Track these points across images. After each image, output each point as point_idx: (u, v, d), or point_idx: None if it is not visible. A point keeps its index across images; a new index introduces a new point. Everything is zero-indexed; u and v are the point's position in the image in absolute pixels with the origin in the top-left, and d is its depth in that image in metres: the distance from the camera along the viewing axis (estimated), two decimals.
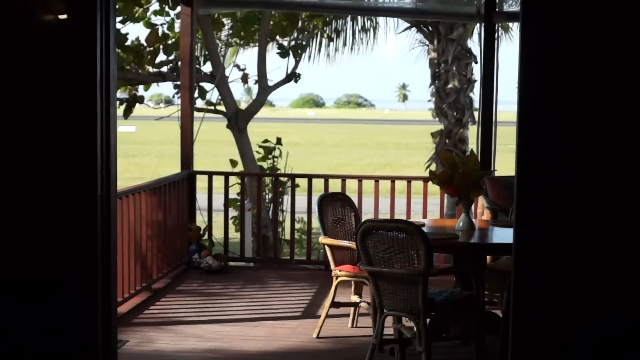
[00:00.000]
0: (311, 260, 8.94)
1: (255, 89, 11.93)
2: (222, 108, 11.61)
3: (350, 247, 5.98)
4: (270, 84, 11.82)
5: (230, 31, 12.24)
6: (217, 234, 9.03)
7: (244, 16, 11.79)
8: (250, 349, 5.80)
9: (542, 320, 3.71)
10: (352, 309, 6.33)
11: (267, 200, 11.12)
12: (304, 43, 12.60)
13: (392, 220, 5.43)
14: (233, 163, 11.15)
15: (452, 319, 5.47)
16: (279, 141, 11.50)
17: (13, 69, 4.07)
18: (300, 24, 12.18)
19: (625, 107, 3.59)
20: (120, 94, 10.90)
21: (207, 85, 11.39)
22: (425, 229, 5.11)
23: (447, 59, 12.30)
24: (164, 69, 11.14)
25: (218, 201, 9.03)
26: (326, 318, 6.09)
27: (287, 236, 9.55)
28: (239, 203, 9.57)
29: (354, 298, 6.17)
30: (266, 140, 11.56)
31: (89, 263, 4.09)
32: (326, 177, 8.66)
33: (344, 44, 13.77)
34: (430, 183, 6.77)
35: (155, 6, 10.72)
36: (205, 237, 8.69)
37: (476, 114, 11.18)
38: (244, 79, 11.74)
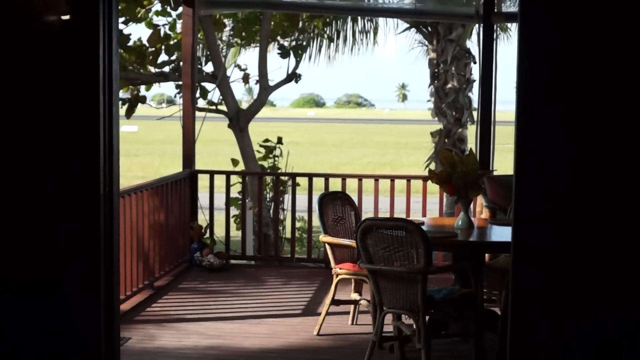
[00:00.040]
0: (312, 258, 8.97)
1: (256, 89, 11.98)
2: (223, 108, 11.63)
3: (350, 246, 6.01)
4: (271, 84, 11.85)
5: (232, 32, 12.26)
6: (219, 232, 9.06)
7: (245, 17, 11.81)
8: (251, 346, 5.84)
9: (542, 320, 3.69)
10: (352, 306, 6.36)
11: (268, 199, 11.13)
12: (304, 43, 12.64)
13: (391, 219, 5.45)
14: (234, 162, 11.19)
15: (451, 317, 5.50)
16: (279, 140, 11.52)
17: (16, 70, 4.07)
18: (300, 24, 12.20)
19: (625, 107, 3.58)
20: (123, 94, 10.93)
21: (209, 85, 11.43)
22: (424, 228, 5.14)
23: (446, 59, 12.32)
24: (166, 69, 11.17)
25: (219, 200, 9.08)
26: (326, 315, 6.13)
27: (288, 234, 9.57)
28: (240, 202, 9.60)
29: (354, 296, 6.20)
30: (267, 140, 11.57)
31: (91, 261, 4.10)
32: (326, 176, 8.68)
33: (344, 43, 13.82)
34: (429, 182, 6.82)
35: (157, 7, 10.75)
36: (207, 235, 8.72)
37: (475, 113, 11.17)
38: (245, 79, 11.77)
